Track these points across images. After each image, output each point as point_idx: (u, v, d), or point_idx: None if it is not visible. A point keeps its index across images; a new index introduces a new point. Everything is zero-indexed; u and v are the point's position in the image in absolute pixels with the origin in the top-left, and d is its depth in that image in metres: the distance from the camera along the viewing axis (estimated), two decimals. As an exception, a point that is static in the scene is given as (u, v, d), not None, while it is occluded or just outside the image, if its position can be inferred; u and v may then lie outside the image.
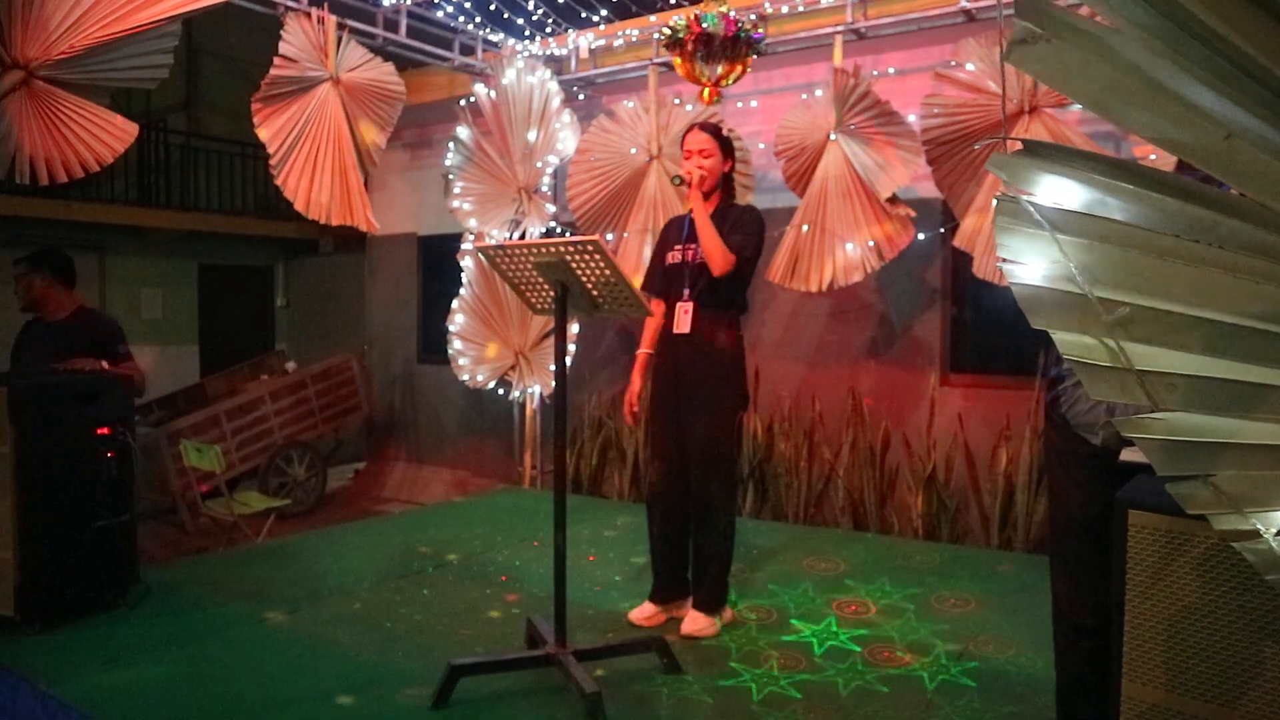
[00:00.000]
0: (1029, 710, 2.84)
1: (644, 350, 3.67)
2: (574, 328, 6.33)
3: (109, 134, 4.31)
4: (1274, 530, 0.97)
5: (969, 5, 5.04)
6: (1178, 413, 1.03)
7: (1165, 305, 1.02)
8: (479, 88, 6.20)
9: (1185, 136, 1.03)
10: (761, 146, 6.02)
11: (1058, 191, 1.09)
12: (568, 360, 3.19)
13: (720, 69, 4.82)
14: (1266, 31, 0.93)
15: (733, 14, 4.78)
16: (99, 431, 3.66)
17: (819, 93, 5.29)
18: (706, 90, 4.92)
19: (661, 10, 6.09)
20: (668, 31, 4.78)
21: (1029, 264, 1.05)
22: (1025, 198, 1.09)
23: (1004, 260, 1.07)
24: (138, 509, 3.92)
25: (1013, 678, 3.09)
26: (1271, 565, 0.96)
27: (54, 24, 4.00)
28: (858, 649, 3.36)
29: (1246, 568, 1.63)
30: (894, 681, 3.07)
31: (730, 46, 4.77)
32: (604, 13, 6.24)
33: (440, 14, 6.21)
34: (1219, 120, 1.01)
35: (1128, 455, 1.99)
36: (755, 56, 4.95)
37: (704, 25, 4.68)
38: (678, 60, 4.84)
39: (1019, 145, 1.14)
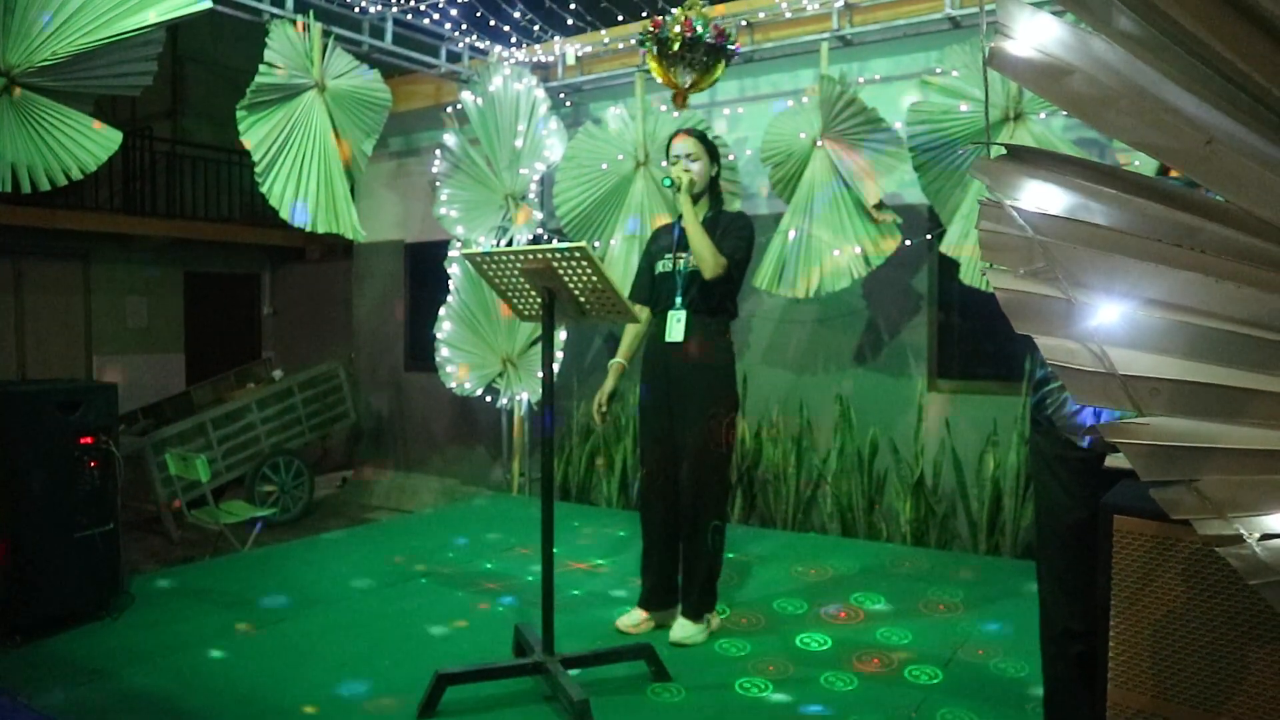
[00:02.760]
0: (1017, 715, 2.84)
1: (619, 360, 3.66)
2: (561, 335, 6.32)
3: (92, 141, 4.28)
4: (1258, 535, 0.97)
5: (954, 12, 5.07)
6: (1161, 417, 1.03)
7: (1148, 310, 1.02)
8: (465, 95, 6.20)
9: (1167, 141, 1.03)
10: (749, 153, 6.02)
11: (1041, 196, 1.09)
12: (555, 367, 3.18)
13: (692, 77, 4.80)
14: (1247, 37, 0.93)
15: (718, 22, 4.78)
16: (82, 440, 3.63)
17: (805, 99, 5.31)
18: (678, 96, 4.91)
19: (648, 18, 6.09)
20: (650, 30, 4.76)
21: (1012, 268, 1.05)
22: (1009, 202, 1.09)
23: (988, 265, 1.07)
24: (122, 518, 3.89)
25: (1001, 683, 3.09)
26: (1255, 570, 0.96)
27: (36, 30, 3.98)
28: (846, 655, 3.35)
29: (1232, 572, 1.63)
30: (882, 687, 3.07)
31: (711, 54, 4.77)
32: (590, 19, 6.25)
33: (426, 21, 6.21)
34: (1200, 125, 1.01)
35: (1114, 460, 2.00)
36: (724, 67, 4.93)
37: (696, 29, 4.67)
38: (654, 62, 4.81)
39: (1003, 151, 1.14)
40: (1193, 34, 0.95)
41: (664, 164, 3.61)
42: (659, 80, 4.91)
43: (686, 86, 4.83)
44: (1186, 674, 1.73)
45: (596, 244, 5.97)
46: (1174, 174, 1.82)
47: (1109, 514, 1.81)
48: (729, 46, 4.79)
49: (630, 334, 3.69)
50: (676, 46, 4.67)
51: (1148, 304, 1.02)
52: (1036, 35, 1.07)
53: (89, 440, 3.65)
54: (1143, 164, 3.62)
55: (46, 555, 3.50)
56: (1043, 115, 4.70)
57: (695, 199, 3.52)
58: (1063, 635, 2.30)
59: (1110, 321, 1.01)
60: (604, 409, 3.66)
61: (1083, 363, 1.01)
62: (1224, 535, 0.98)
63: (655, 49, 4.72)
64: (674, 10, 4.74)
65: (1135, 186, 1.08)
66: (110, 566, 3.74)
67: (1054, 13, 1.13)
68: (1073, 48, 1.07)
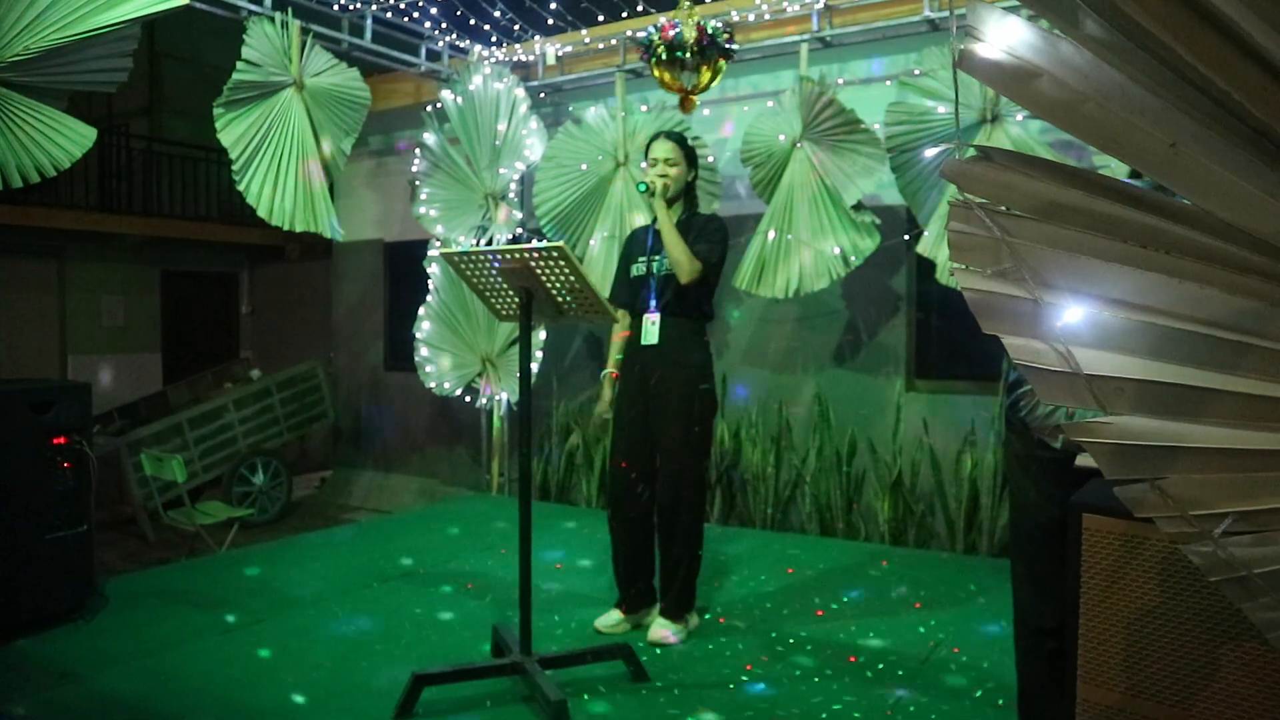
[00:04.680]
0: (992, 712, 2.86)
1: (610, 371, 3.67)
2: (541, 334, 6.32)
3: (66, 138, 4.23)
4: (1218, 532, 0.98)
5: (932, 15, 5.10)
6: (1126, 417, 1.04)
7: (1113, 310, 1.03)
8: (445, 94, 6.18)
9: (1133, 144, 1.04)
10: (729, 154, 6.04)
11: (1010, 197, 1.10)
12: (534, 367, 3.17)
13: (701, 77, 4.83)
14: (1209, 42, 0.95)
15: (715, 21, 4.81)
16: (55, 441, 3.59)
17: (785, 100, 5.33)
18: (690, 99, 4.93)
19: (628, 18, 6.10)
20: (661, 38, 4.74)
21: (980, 269, 1.06)
22: (978, 203, 1.10)
23: (957, 265, 1.08)
24: (96, 520, 3.85)
25: (976, 680, 3.11)
26: (1216, 567, 0.97)
27: (8, 25, 3.92)
28: (824, 653, 3.36)
29: (1199, 570, 1.65)
30: (861, 685, 3.08)
31: (719, 54, 4.80)
32: (570, 19, 6.24)
33: (406, 19, 6.18)
34: (1165, 129, 1.02)
35: (1084, 459, 2.01)
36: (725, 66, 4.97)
37: (710, 33, 4.68)
38: (660, 69, 4.82)
39: (973, 152, 1.15)
40: (1157, 38, 0.97)
41: (644, 165, 3.61)
42: (663, 85, 4.92)
43: (691, 89, 4.85)
44: (1155, 671, 1.75)
45: (576, 244, 5.96)
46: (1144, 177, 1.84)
47: (1078, 512, 1.83)
48: (731, 46, 4.82)
49: (618, 342, 3.69)
50: (689, 54, 4.67)
51: (1113, 304, 1.03)
52: (1005, 38, 1.08)
53: (62, 441, 3.61)
54: (1116, 167, 3.65)
55: (17, 557, 3.46)
56: (1020, 117, 4.74)
57: (670, 202, 3.52)
58: (1036, 633, 2.32)
59: (1076, 322, 1.02)
60: (608, 416, 3.67)
61: (1049, 362, 1.02)
62: (1186, 533, 1.00)
63: (664, 53, 4.71)
64: (683, 17, 4.73)
65: (1102, 188, 1.09)
66: (83, 568, 3.71)
67: (1023, 16, 1.14)
68: (1041, 51, 1.08)
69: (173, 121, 11.42)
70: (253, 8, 5.11)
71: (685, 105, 5.01)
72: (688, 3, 4.80)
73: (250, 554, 4.97)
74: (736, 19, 5.65)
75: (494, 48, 6.60)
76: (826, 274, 5.13)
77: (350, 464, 8.61)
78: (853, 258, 5.11)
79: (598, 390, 3.78)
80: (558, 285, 2.91)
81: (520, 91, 6.17)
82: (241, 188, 5.01)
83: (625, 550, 3.60)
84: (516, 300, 3.06)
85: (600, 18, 6.24)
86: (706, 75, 4.82)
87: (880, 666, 3.24)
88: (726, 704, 2.94)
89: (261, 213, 5.06)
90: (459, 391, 6.38)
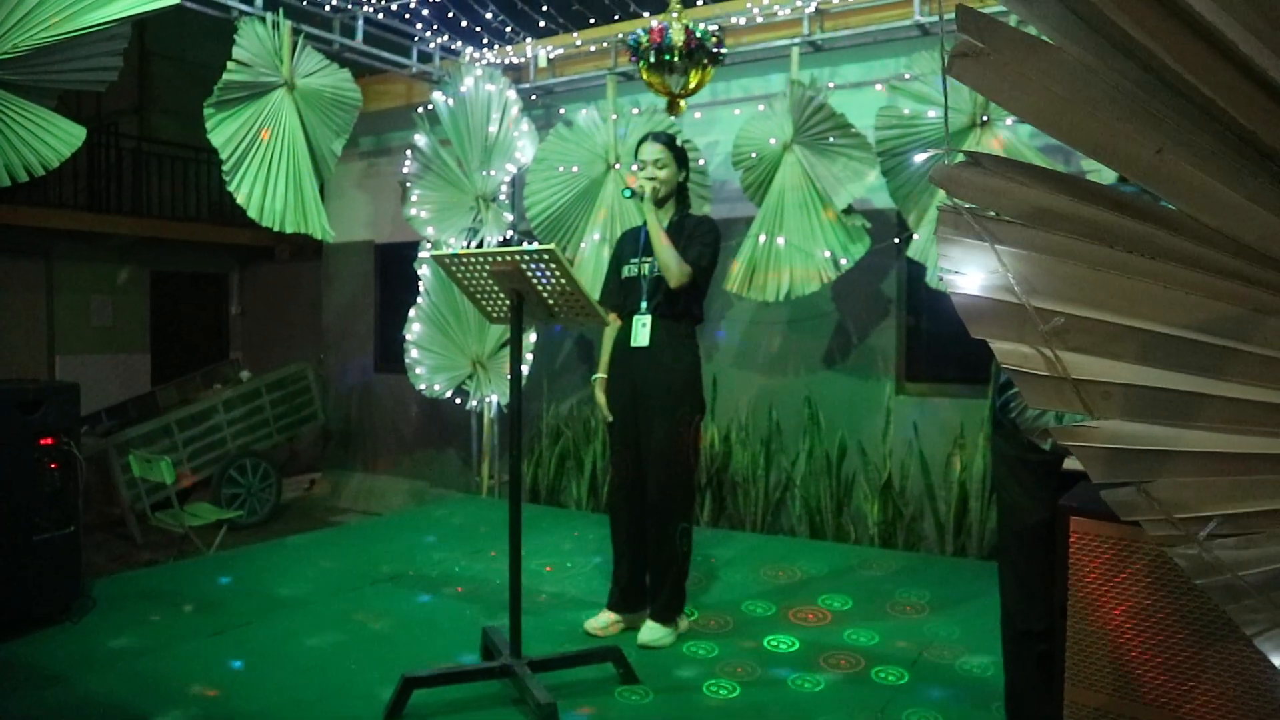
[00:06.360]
0: (981, 715, 2.87)
1: (601, 375, 3.67)
2: (531, 337, 6.31)
3: (55, 137, 4.21)
4: (1203, 535, 0.99)
5: (923, 19, 5.12)
6: (1114, 421, 1.05)
7: (1100, 315, 1.04)
8: (437, 95, 6.17)
9: (1119, 150, 1.05)
10: (719, 157, 6.05)
11: (998, 202, 1.11)
12: (524, 369, 3.17)
13: (690, 81, 4.84)
14: (1193, 48, 0.96)
15: (701, 25, 4.83)
16: (42, 441, 3.57)
17: (776, 104, 5.34)
18: (677, 102, 4.94)
19: (619, 21, 6.11)
20: (651, 42, 4.75)
21: (968, 274, 1.06)
22: (966, 208, 1.11)
23: (945, 270, 1.09)
24: (85, 521, 3.83)
25: (965, 683, 3.12)
26: (1201, 570, 0.98)
27: (-2, 23, 3.91)
28: (814, 656, 3.37)
29: (1185, 572, 1.66)
30: (850, 688, 3.09)
31: (706, 58, 4.81)
32: (561, 21, 6.25)
33: (398, 21, 6.18)
34: (1151, 134, 1.03)
35: (1072, 462, 2.02)
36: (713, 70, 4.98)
37: (698, 37, 4.69)
38: (648, 72, 4.83)
39: (961, 157, 1.16)
40: (1142, 45, 0.97)
41: (634, 168, 3.61)
42: (651, 88, 4.93)
43: (679, 92, 4.86)
44: (1143, 673, 1.76)
45: (567, 247, 5.96)
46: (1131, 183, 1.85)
47: (1066, 516, 1.84)
48: (719, 50, 4.84)
49: (609, 345, 3.68)
50: (678, 58, 4.68)
51: (1099, 309, 1.04)
52: (994, 44, 1.09)
53: (50, 441, 3.59)
54: (1105, 172, 3.67)
55: (5, 558, 3.44)
56: (1009, 122, 4.76)
57: (660, 203, 3.52)
58: (1024, 635, 2.33)
59: (1062, 326, 1.03)
60: (610, 419, 3.67)
61: (1036, 366, 1.03)
62: (1172, 536, 1.00)
63: (653, 56, 4.72)
64: (671, 21, 4.73)
65: (1089, 194, 1.10)
66: (70, 570, 3.68)
67: (1012, 22, 1.15)
68: (1029, 57, 1.08)
69: (162, 121, 11.37)
70: (244, 8, 5.09)
71: (673, 108, 5.03)
72: (677, 6, 4.81)
73: (239, 556, 4.95)
74: (730, 22, 5.66)
75: (485, 50, 6.59)
76: (817, 277, 5.14)
77: (340, 466, 8.59)
78: (843, 261, 5.13)
79: (591, 394, 3.78)
80: (548, 288, 2.91)
81: (511, 94, 6.17)
82: (232, 188, 4.99)
83: (622, 551, 3.61)
84: (507, 302, 3.06)
85: (591, 20, 6.24)
86: (695, 78, 4.84)
87: (870, 669, 3.25)
88: (716, 707, 2.95)
89: (252, 213, 5.04)
90: (449, 394, 6.37)
